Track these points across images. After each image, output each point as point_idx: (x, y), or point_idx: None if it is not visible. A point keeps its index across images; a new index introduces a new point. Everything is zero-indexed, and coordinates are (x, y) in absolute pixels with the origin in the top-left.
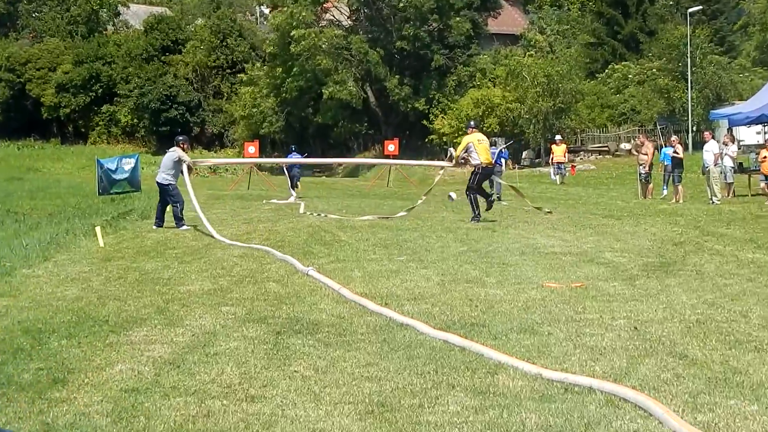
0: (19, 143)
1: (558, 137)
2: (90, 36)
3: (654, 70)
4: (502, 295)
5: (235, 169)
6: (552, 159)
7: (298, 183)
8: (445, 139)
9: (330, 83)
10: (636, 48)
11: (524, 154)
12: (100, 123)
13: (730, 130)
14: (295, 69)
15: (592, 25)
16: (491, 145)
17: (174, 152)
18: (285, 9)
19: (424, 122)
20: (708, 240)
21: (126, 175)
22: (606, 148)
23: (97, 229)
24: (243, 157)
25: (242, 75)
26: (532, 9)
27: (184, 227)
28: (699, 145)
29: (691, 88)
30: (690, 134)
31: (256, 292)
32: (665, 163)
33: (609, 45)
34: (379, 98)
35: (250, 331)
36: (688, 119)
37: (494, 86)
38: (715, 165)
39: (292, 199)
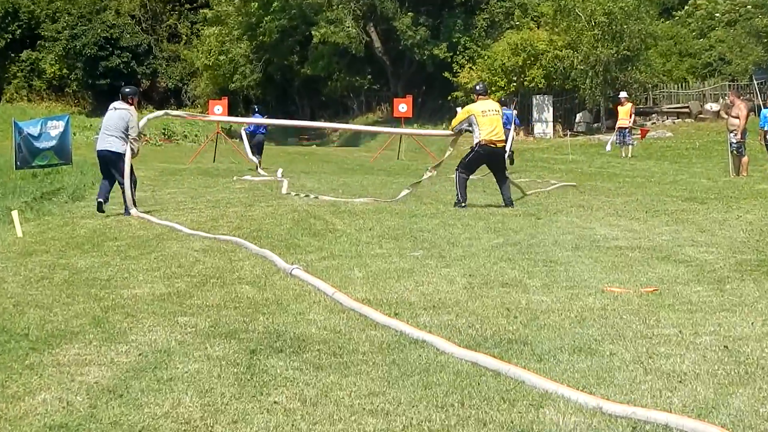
0: None
1: (623, 94)
2: None
3: (749, 6)
4: (549, 303)
5: (196, 135)
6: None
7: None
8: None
9: (322, 23)
10: None
11: (578, 117)
12: (19, 74)
13: None
14: (275, 4)
15: None
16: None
17: (124, 110)
18: None
19: (446, 75)
20: None
21: (52, 143)
22: (686, 110)
23: (14, 213)
24: None
25: (206, 11)
26: None
27: (136, 213)
28: None
29: None
30: None
31: (224, 297)
32: (764, 130)
33: None
34: (387, 43)
35: (215, 349)
36: None
37: (538, 27)
38: None
39: (279, 176)
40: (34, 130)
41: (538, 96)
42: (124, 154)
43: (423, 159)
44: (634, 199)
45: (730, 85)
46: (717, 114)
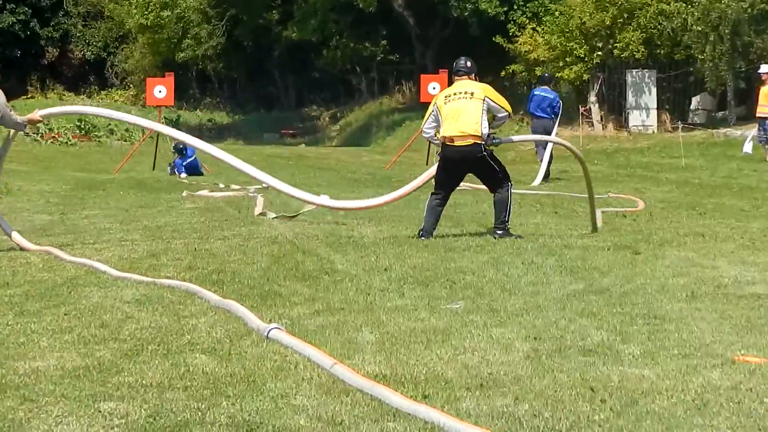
0: None
1: (764, 68)
2: None
3: None
4: (653, 380)
5: (127, 130)
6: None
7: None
8: (538, 71)
9: None
10: None
11: (694, 101)
12: None
13: None
14: None
15: None
16: (543, 83)
17: None
18: None
19: (498, 40)
20: None
21: None
22: None
23: None
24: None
25: None
26: None
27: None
28: None
29: None
30: None
31: (168, 372)
32: None
33: None
34: None
35: None
36: None
37: None
38: None
39: (251, 191)
40: None
41: (634, 71)
42: None
43: None
44: None
45: None
46: None
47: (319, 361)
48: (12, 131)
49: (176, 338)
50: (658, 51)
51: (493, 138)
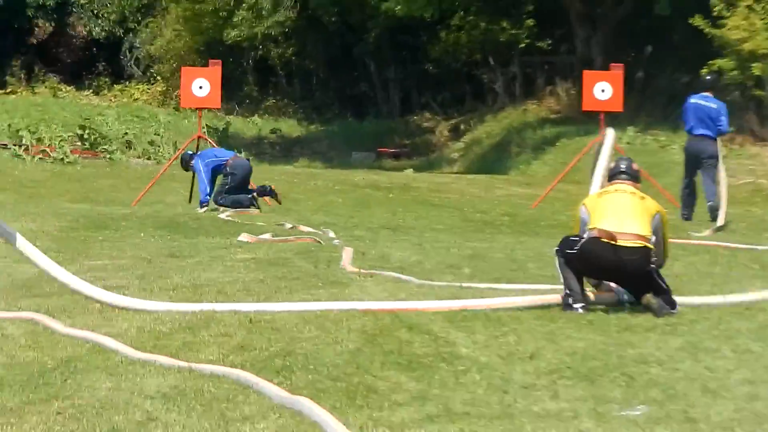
0: None
1: None
2: None
3: None
4: None
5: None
6: None
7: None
8: (755, 69)
9: None
10: None
11: None
12: None
13: None
14: None
15: None
16: (704, 87)
17: None
18: None
19: (697, 22)
20: None
21: None
22: None
23: None
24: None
25: None
26: None
27: None
28: None
29: None
30: None
31: None
32: None
33: None
34: None
35: None
36: None
37: None
38: None
39: (330, 234)
40: None
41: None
42: None
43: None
44: None
45: None
46: None
47: None
48: None
49: None
50: None
51: None
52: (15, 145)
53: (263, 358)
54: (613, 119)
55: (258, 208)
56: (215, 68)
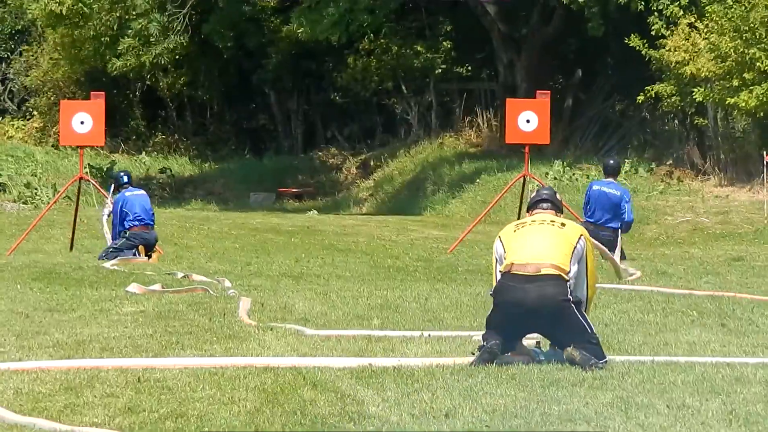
0: None
1: None
2: None
3: None
4: None
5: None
6: None
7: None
8: (697, 94)
9: None
10: None
11: None
12: None
13: None
14: None
15: None
16: (607, 173)
17: None
18: None
19: (634, 42)
20: None
21: None
22: None
23: None
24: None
25: None
26: None
27: None
28: None
29: None
30: None
31: None
32: None
33: None
34: None
35: None
36: None
37: None
38: None
39: (226, 284)
40: None
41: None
42: None
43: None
44: None
45: None
46: None
47: None
48: None
49: None
50: None
51: None
52: None
53: (153, 420)
54: (539, 152)
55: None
56: (98, 101)
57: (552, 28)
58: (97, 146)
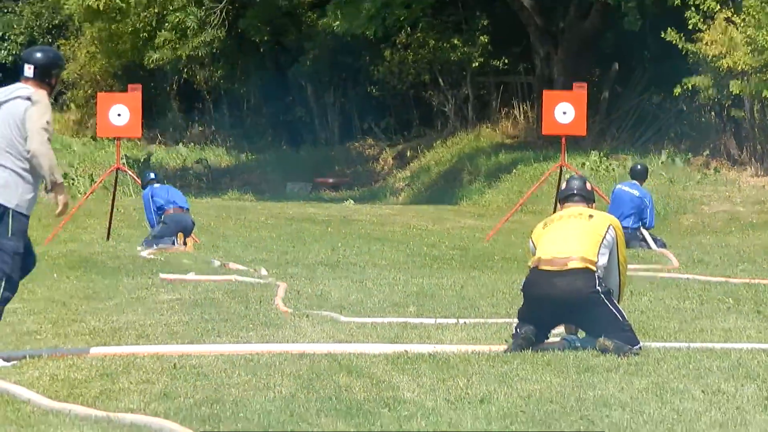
0: None
1: None
2: None
3: None
4: None
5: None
6: None
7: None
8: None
9: None
10: None
11: None
12: None
13: None
14: None
15: None
16: (633, 176)
17: (21, 98)
18: None
19: (670, 37)
20: None
21: None
22: None
23: None
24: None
25: None
26: None
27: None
28: None
29: None
30: None
31: None
32: None
33: None
34: None
35: None
36: None
37: None
38: None
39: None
40: None
41: None
42: (24, 210)
43: None
44: None
45: None
46: None
47: None
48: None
49: None
50: None
51: None
52: None
53: (188, 406)
54: (576, 144)
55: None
56: (135, 94)
57: (589, 23)
58: (134, 138)
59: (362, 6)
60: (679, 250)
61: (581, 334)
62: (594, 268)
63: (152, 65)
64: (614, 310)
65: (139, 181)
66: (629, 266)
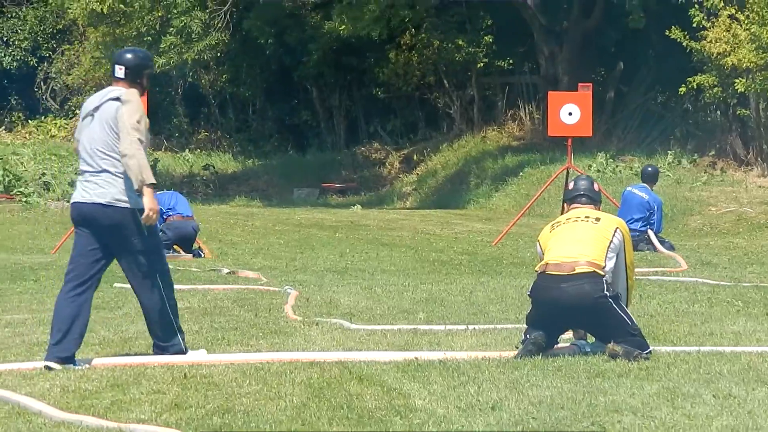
0: None
1: None
2: None
3: None
4: None
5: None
6: None
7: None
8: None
9: None
10: None
11: None
12: None
13: None
14: None
15: None
16: (643, 178)
17: (118, 101)
18: None
19: (675, 35)
20: None
21: None
22: None
23: None
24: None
25: None
26: None
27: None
28: None
29: None
30: None
31: None
32: None
33: None
34: None
35: None
36: None
37: None
38: None
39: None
40: None
41: None
42: (140, 207)
43: None
44: None
45: None
46: None
47: None
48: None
49: None
50: None
51: None
52: None
53: (200, 416)
54: (582, 145)
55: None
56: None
57: (593, 21)
58: None
59: (366, 8)
60: (687, 252)
61: (590, 338)
62: (602, 273)
63: (157, 70)
64: (623, 315)
65: None
66: (637, 269)
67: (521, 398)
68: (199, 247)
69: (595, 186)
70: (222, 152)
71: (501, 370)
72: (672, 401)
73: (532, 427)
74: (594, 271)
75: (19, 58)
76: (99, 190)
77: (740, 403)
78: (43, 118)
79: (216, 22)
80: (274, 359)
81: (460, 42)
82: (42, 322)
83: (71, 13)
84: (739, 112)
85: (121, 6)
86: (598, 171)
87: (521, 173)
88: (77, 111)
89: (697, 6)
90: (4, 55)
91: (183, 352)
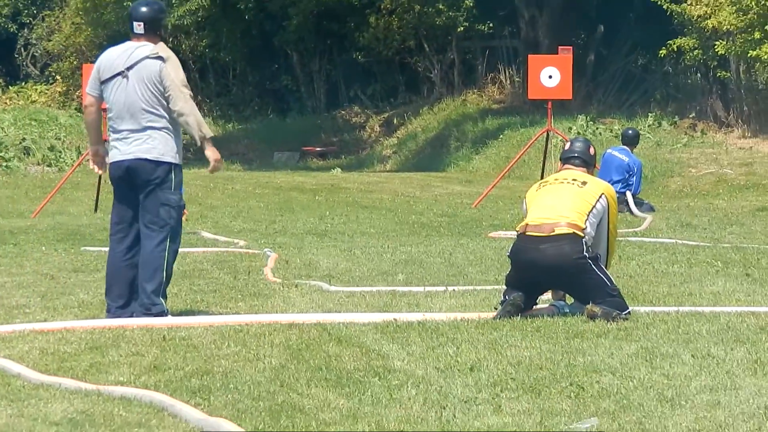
0: None
1: None
2: None
3: None
4: None
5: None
6: None
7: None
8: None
9: None
10: None
11: None
12: None
13: None
14: None
15: None
16: (624, 141)
17: (156, 58)
18: None
19: None
20: None
21: None
22: None
23: None
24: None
25: None
26: None
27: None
28: None
29: None
30: None
31: None
32: None
33: None
34: None
35: None
36: None
37: None
38: None
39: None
40: None
41: None
42: (181, 161)
43: None
44: None
45: None
46: None
47: None
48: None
49: None
50: None
51: None
52: None
53: (178, 378)
54: (563, 108)
55: None
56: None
57: None
58: None
59: None
60: (667, 213)
61: (569, 299)
62: (581, 234)
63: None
64: (602, 276)
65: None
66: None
67: (500, 359)
68: None
69: (591, 150)
70: (202, 116)
71: (480, 331)
72: (651, 361)
73: (511, 387)
74: (574, 232)
75: (0, 23)
76: (144, 146)
77: (719, 363)
78: (23, 84)
79: None
80: (253, 321)
81: (441, 6)
82: (21, 285)
83: None
84: (719, 74)
85: None
86: (579, 133)
87: (501, 136)
88: (57, 77)
89: None
90: None
91: (165, 314)
